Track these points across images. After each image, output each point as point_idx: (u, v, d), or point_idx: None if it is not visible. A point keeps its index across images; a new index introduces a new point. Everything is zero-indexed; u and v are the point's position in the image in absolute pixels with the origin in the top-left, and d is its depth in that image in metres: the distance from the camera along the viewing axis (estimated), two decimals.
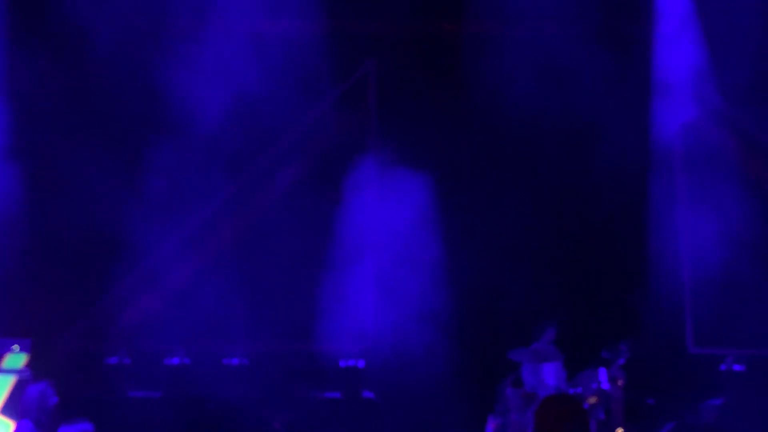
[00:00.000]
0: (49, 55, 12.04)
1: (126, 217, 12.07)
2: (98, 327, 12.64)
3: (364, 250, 12.62)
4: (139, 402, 12.04)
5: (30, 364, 10.83)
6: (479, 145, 12.83)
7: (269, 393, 12.25)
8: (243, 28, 12.52)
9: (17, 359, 10.90)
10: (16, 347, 10.91)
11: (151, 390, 12.21)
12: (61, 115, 12.15)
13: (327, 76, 12.85)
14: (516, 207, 12.77)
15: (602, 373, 11.18)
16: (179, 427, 11.59)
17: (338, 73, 13.16)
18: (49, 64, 12.02)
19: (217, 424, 11.60)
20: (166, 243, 12.68)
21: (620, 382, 11.17)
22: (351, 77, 13.43)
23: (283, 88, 12.30)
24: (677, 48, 13.08)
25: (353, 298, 12.42)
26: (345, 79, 13.39)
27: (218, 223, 13.02)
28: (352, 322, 12.46)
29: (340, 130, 13.37)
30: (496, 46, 12.44)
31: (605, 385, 11.11)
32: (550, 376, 11.27)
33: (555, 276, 12.67)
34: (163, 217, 12.27)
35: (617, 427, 11.02)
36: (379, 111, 13.38)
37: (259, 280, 12.18)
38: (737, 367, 12.65)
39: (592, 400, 10.97)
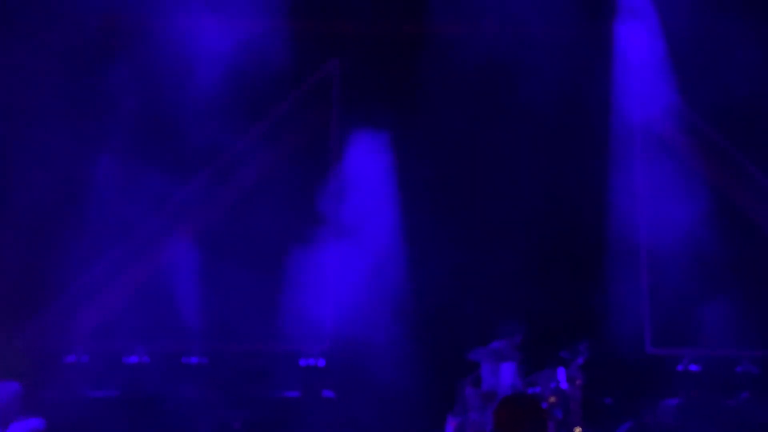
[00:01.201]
0: None
1: (85, 215, 11.96)
2: (56, 325, 12.51)
3: (325, 251, 12.61)
4: (97, 401, 11.93)
5: None
6: (441, 144, 12.87)
7: (229, 392, 12.20)
8: (208, 26, 12.45)
9: None
10: None
11: (109, 389, 12.11)
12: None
13: (290, 76, 12.83)
14: (475, 209, 12.83)
15: (561, 373, 11.24)
16: (137, 426, 11.50)
17: (301, 73, 13.14)
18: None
19: (176, 424, 11.52)
20: (126, 241, 12.59)
21: (578, 382, 11.23)
22: (314, 77, 13.42)
23: (245, 87, 12.26)
24: (638, 45, 13.21)
25: (313, 297, 12.40)
26: (308, 79, 13.38)
27: (178, 223, 12.94)
28: (312, 322, 12.44)
29: (302, 129, 13.34)
30: (457, 46, 12.49)
31: (564, 385, 11.18)
32: (508, 375, 11.32)
33: (515, 276, 12.74)
34: (122, 216, 12.18)
35: (575, 426, 11.08)
36: (341, 111, 13.37)
37: (219, 279, 12.12)
38: (694, 368, 12.79)
39: (551, 399, 11.03)
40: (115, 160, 12.06)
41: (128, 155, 12.03)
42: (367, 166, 12.83)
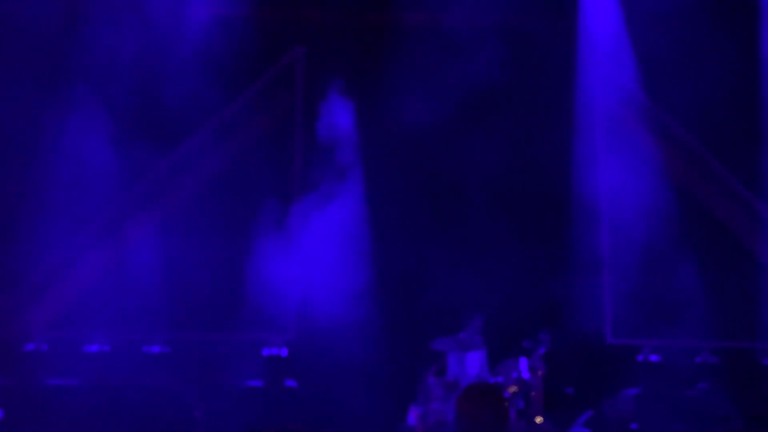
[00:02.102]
0: None
1: (44, 201, 11.84)
2: (15, 313, 12.37)
3: (288, 239, 12.57)
4: (57, 390, 11.82)
5: None
6: (407, 134, 12.86)
7: (190, 381, 12.14)
8: (172, 11, 12.34)
9: None
10: None
11: (69, 378, 12.00)
12: None
13: (254, 63, 12.76)
14: (440, 198, 12.86)
15: (522, 363, 11.30)
16: (98, 415, 11.41)
17: (266, 61, 13.08)
18: None
19: (137, 413, 11.45)
20: (86, 227, 12.47)
21: (540, 372, 11.30)
22: (278, 64, 13.36)
23: (209, 74, 12.18)
24: (601, 31, 13.29)
25: (277, 286, 12.36)
26: (272, 67, 13.31)
27: (140, 209, 12.83)
28: (276, 311, 12.41)
29: (266, 117, 13.28)
30: (422, 34, 12.50)
31: (525, 375, 11.24)
32: (473, 365, 11.36)
33: (478, 266, 12.77)
34: (82, 202, 12.07)
35: (536, 415, 11.15)
36: (305, 98, 13.32)
37: (181, 267, 12.05)
38: (654, 358, 12.90)
39: (513, 389, 11.09)
40: (75, 146, 11.93)
41: (88, 141, 11.90)
42: (331, 154, 12.80)
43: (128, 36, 12.00)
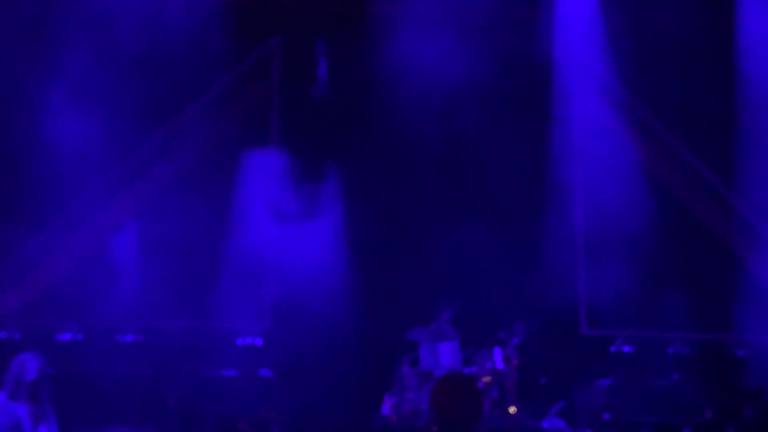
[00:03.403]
0: None
1: (16, 190, 11.75)
2: None
3: (262, 229, 12.54)
4: None
5: None
6: (381, 123, 12.85)
7: (164, 370, 12.09)
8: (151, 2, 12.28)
9: None
10: None
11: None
12: None
13: (231, 52, 12.70)
14: (415, 186, 12.86)
15: (497, 353, 11.35)
16: (71, 404, 11.33)
17: (243, 50, 13.02)
18: None
19: (111, 402, 11.40)
20: (59, 217, 12.38)
21: (514, 362, 11.36)
22: (255, 53, 13.31)
23: (186, 63, 12.12)
24: (575, 32, 13.33)
25: (251, 276, 12.34)
26: (249, 56, 13.26)
27: (113, 198, 12.75)
28: (251, 301, 12.38)
29: (243, 106, 13.23)
30: (398, 22, 12.48)
31: (499, 365, 11.28)
32: (446, 355, 11.39)
33: (452, 257, 12.80)
34: (55, 191, 11.99)
35: (510, 405, 11.20)
36: (282, 88, 13.29)
37: (155, 255, 11.99)
38: (627, 349, 12.98)
39: (487, 379, 11.13)
40: (47, 135, 11.84)
41: (60, 131, 11.81)
42: (306, 146, 12.78)
43: (103, 25, 11.91)
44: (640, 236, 12.76)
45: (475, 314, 12.09)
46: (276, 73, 13.33)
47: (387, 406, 11.36)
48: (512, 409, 11.17)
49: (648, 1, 12.80)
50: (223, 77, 13.04)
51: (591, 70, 13.36)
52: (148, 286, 11.98)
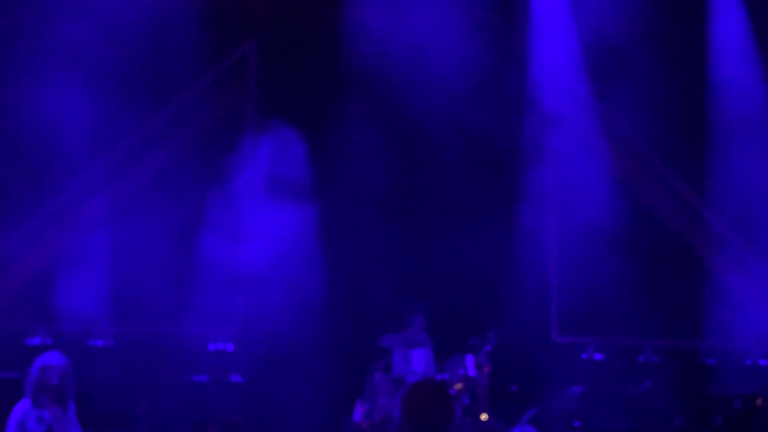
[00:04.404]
0: None
1: None
2: None
3: (237, 232, 12.51)
4: None
5: None
6: (357, 126, 12.85)
7: (135, 376, 12.02)
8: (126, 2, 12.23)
9: None
10: None
11: (10, 371, 11.81)
12: None
13: (206, 56, 12.67)
14: (388, 195, 12.87)
15: (469, 360, 11.36)
16: None
17: (217, 53, 12.99)
18: None
19: (80, 407, 11.29)
20: (28, 220, 12.29)
21: (486, 369, 11.36)
22: (230, 57, 13.28)
23: (160, 66, 12.07)
24: (550, 41, 13.40)
25: (223, 281, 12.29)
26: (224, 59, 13.23)
27: (86, 201, 12.67)
28: (222, 306, 12.33)
29: (217, 110, 13.19)
30: (374, 27, 12.50)
31: (471, 372, 11.29)
32: (419, 362, 11.39)
33: (425, 263, 12.82)
34: (24, 195, 11.91)
35: (481, 412, 11.21)
36: (257, 92, 13.27)
37: (127, 260, 11.92)
38: (598, 356, 13.05)
39: (458, 386, 11.13)
40: (19, 135, 11.76)
41: (33, 130, 11.74)
42: (281, 148, 12.75)
43: (79, 26, 11.85)
44: (612, 244, 12.83)
45: (448, 321, 12.11)
46: (251, 76, 13.31)
47: (359, 412, 11.34)
48: (484, 416, 11.18)
49: (620, 8, 12.87)
50: (199, 80, 13.00)
51: (564, 78, 13.42)
52: (119, 290, 11.90)
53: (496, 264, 13.05)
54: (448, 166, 13.02)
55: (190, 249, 12.23)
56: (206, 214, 12.37)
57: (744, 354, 13.08)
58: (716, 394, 12.80)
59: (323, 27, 13.13)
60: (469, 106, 12.73)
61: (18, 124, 11.86)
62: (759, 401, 12.26)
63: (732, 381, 12.91)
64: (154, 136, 12.88)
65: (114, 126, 12.28)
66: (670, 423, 12.28)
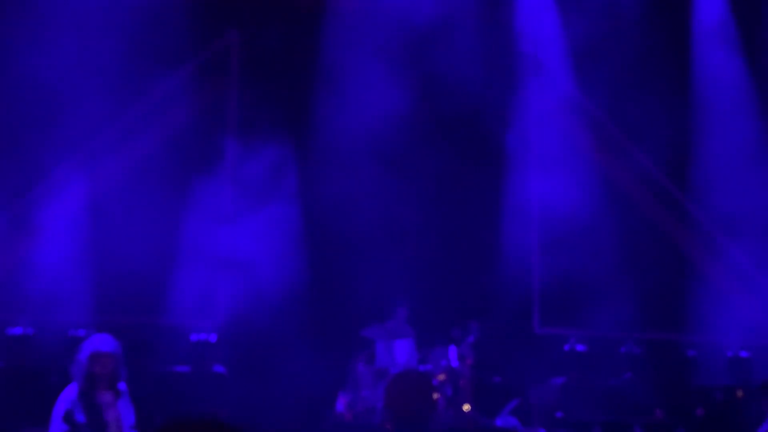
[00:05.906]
0: None
1: None
2: None
3: (219, 223, 12.47)
4: None
5: None
6: (339, 118, 12.83)
7: None
8: None
9: None
10: None
11: None
12: None
13: (188, 46, 12.60)
14: (372, 184, 12.85)
15: (452, 351, 11.39)
16: (21, 398, 11.20)
17: (199, 44, 12.93)
18: None
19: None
20: (10, 208, 12.22)
21: (468, 360, 11.40)
22: (212, 48, 13.22)
23: (141, 56, 12.00)
24: (536, 37, 13.43)
25: (205, 271, 12.26)
26: (206, 50, 13.17)
27: (68, 190, 12.59)
28: (205, 296, 12.31)
29: (199, 101, 13.14)
30: (358, 16, 12.48)
31: (454, 363, 11.32)
32: (402, 353, 11.41)
33: (408, 255, 12.83)
34: (5, 184, 11.84)
35: (464, 403, 11.24)
36: (239, 82, 13.22)
37: (109, 249, 11.86)
38: (580, 348, 13.10)
39: (441, 377, 11.16)
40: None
41: (14, 119, 11.65)
42: (264, 141, 12.72)
43: (59, 14, 11.76)
44: (594, 237, 12.88)
45: (431, 312, 12.13)
46: (234, 66, 13.26)
47: (341, 403, 11.35)
48: (466, 407, 11.22)
49: (604, 6, 12.91)
50: (181, 69, 12.93)
51: (549, 74, 13.45)
52: (101, 280, 11.84)
53: (479, 256, 13.08)
54: (431, 159, 13.03)
55: (172, 239, 12.19)
56: (188, 204, 12.32)
57: (725, 346, 13.17)
58: (697, 386, 12.88)
59: (306, 18, 13.09)
60: (453, 104, 12.73)
61: None
62: (739, 393, 12.34)
63: (713, 373, 12.99)
64: (135, 124, 12.80)
65: (95, 114, 12.18)
66: (651, 414, 12.34)
